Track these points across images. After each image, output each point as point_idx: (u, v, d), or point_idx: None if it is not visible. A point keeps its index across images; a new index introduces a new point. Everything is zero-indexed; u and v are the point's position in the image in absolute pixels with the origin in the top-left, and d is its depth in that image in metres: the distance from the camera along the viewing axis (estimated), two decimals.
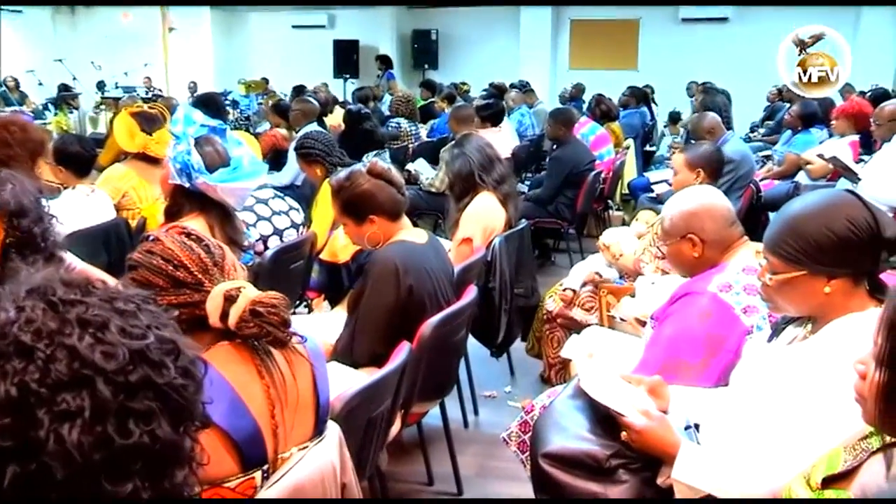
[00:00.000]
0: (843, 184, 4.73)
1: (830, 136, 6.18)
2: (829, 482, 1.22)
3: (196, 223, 2.40)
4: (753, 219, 4.73)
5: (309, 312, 3.66)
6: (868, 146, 5.48)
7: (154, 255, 1.49)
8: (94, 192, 3.50)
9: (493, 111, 6.48)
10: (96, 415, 0.78)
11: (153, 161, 3.63)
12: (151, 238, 1.54)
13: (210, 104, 4.76)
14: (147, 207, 3.60)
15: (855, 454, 1.22)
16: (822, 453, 1.29)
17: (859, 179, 4.59)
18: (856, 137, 5.68)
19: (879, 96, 7.08)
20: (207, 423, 0.93)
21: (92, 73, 12.30)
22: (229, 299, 1.45)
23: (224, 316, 1.44)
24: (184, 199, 2.52)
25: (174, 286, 1.47)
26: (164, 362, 0.84)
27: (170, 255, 1.48)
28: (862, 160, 5.18)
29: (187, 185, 2.44)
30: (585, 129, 6.93)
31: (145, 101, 6.87)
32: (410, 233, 2.62)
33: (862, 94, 8.17)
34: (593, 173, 5.63)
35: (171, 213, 2.54)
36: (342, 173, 2.61)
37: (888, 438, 1.17)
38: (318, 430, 1.58)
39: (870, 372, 1.09)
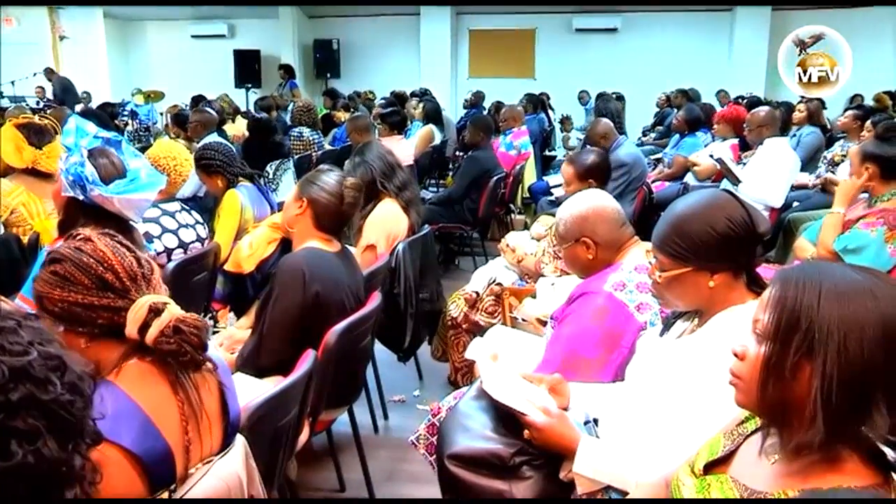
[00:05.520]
0: (725, 185, 4.96)
1: (714, 139, 6.47)
2: (710, 467, 1.28)
3: None
4: (647, 218, 4.89)
5: (215, 324, 3.57)
6: (747, 148, 5.77)
7: (83, 252, 1.41)
8: None
9: (399, 118, 6.53)
10: None
11: (44, 176, 3.41)
12: (80, 237, 1.46)
13: (95, 118, 4.53)
14: (39, 223, 3.39)
15: (733, 439, 1.28)
16: (706, 440, 1.35)
17: (739, 182, 4.84)
18: (735, 140, 5.97)
19: (754, 103, 7.47)
20: (98, 439, 0.90)
21: None
22: (154, 311, 1.40)
23: (143, 328, 1.39)
24: (78, 213, 2.40)
25: (99, 287, 1.40)
26: (50, 378, 0.81)
27: (101, 257, 1.41)
28: (742, 162, 5.44)
29: (81, 197, 2.34)
30: (523, 140, 7.07)
31: (35, 111, 6.54)
32: (322, 242, 2.61)
33: (741, 99, 8.59)
34: (495, 178, 5.73)
35: (66, 227, 2.42)
36: (334, 173, 2.70)
37: (760, 422, 1.23)
38: (225, 445, 1.54)
39: (750, 351, 1.15)
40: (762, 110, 5.24)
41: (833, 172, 5.63)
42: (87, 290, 1.39)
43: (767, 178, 4.81)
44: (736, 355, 1.18)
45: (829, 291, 1.08)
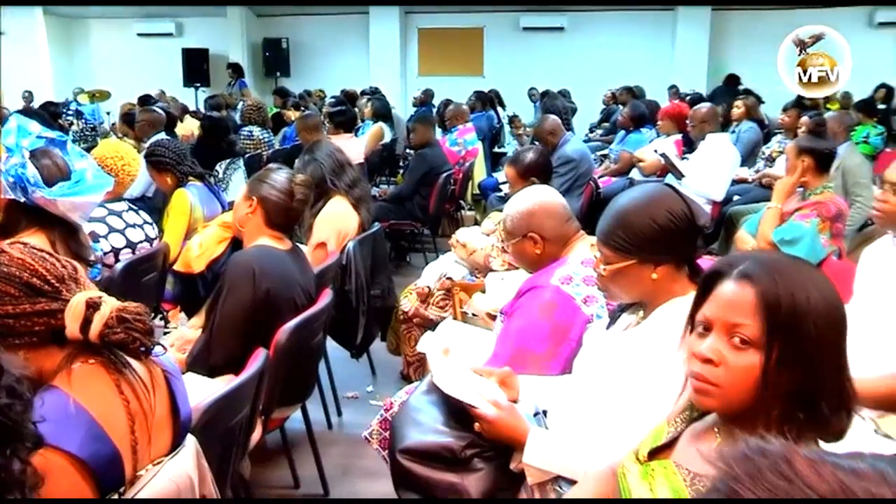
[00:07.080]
0: (670, 179, 5.05)
1: (658, 135, 6.58)
2: (654, 454, 1.31)
3: (35, 239, 2.24)
4: (595, 213, 4.94)
5: (165, 325, 3.51)
6: (690, 144, 5.88)
7: (1, 264, 1.36)
8: None
9: (346, 117, 6.50)
10: None
11: None
12: None
13: (37, 118, 4.39)
14: None
15: (676, 426, 1.31)
16: (650, 428, 1.37)
17: (683, 176, 4.94)
18: (679, 136, 6.08)
19: (696, 100, 7.62)
20: (39, 443, 0.87)
21: None
22: (93, 306, 1.35)
23: (85, 324, 1.35)
24: (20, 215, 2.33)
25: (28, 294, 1.34)
26: None
27: (21, 264, 1.36)
28: (685, 157, 5.55)
29: (22, 199, 2.27)
30: (469, 137, 7.08)
31: None
32: (274, 240, 2.60)
33: (683, 96, 8.75)
34: (444, 175, 5.75)
35: (6, 230, 2.35)
36: (283, 171, 2.71)
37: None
38: (176, 446, 1.52)
39: (729, 358, 1.13)
40: (703, 107, 5.36)
41: (771, 167, 5.78)
42: (17, 300, 1.33)
43: (709, 172, 4.92)
44: (710, 361, 1.14)
45: (812, 292, 1.08)
